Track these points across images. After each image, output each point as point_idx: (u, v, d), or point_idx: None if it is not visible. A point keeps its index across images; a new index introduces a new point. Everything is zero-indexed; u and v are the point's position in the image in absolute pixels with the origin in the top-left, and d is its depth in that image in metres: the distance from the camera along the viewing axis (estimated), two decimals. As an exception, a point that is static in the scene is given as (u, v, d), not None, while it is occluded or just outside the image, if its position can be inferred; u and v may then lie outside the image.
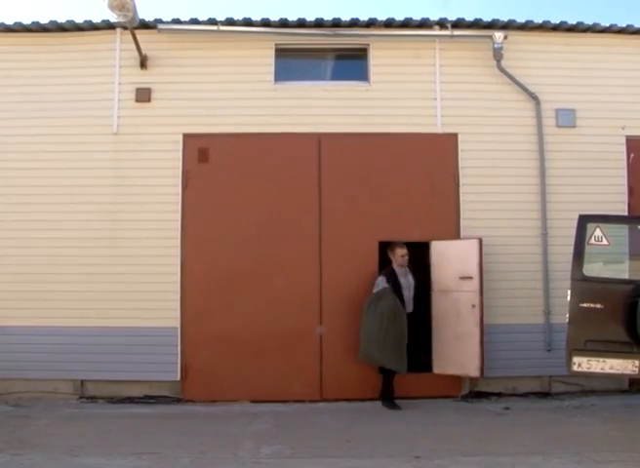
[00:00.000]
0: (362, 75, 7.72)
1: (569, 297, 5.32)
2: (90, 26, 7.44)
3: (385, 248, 7.39)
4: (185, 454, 5.15)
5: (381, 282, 6.83)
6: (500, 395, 7.35)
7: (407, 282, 7.04)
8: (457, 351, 7.07)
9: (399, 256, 6.91)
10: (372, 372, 7.21)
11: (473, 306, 7.05)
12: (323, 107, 7.53)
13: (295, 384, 7.18)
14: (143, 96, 7.49)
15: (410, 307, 6.96)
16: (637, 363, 5.22)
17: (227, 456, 5.14)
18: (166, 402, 7.14)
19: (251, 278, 7.34)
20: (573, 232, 5.57)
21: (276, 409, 6.83)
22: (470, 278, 7.15)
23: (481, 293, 7.02)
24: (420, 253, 7.53)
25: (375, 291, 6.83)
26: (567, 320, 5.36)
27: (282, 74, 7.67)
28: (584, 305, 5.23)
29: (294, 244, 7.43)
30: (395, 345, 6.55)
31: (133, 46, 7.26)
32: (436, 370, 7.35)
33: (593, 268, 5.48)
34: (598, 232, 5.44)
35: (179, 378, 7.22)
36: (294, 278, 7.35)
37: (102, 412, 6.64)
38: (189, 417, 6.51)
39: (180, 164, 7.41)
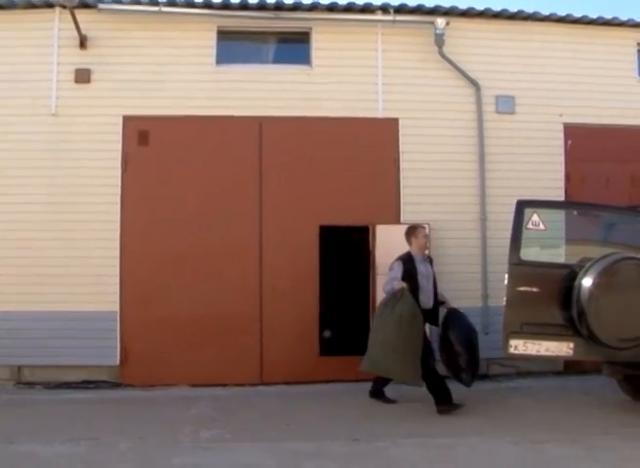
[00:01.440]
0: (304, 59, 7.57)
1: (506, 281, 5.14)
2: (27, 4, 7.16)
3: (324, 232, 7.28)
4: (124, 440, 5.01)
5: (397, 268, 6.05)
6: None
7: (426, 270, 6.23)
8: None
9: (422, 237, 6.22)
10: (312, 357, 7.14)
11: None
12: (265, 91, 7.37)
13: (235, 368, 7.04)
14: (83, 76, 7.26)
15: (430, 303, 6.11)
16: (572, 345, 5.08)
17: (167, 441, 5.00)
18: (105, 387, 6.96)
19: (191, 261, 7.17)
20: (511, 217, 5.40)
21: (216, 393, 6.69)
22: None
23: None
24: (358, 239, 7.44)
25: (388, 278, 6.11)
26: (504, 303, 5.15)
27: (224, 57, 7.48)
28: (521, 289, 5.04)
29: (234, 227, 7.25)
30: (411, 353, 5.72)
31: (72, 25, 7.02)
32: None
33: (530, 253, 5.30)
34: (535, 217, 5.23)
35: (118, 363, 7.02)
36: (234, 261, 7.19)
37: (40, 398, 6.46)
38: (128, 402, 6.36)
39: (119, 146, 7.20)
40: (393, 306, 5.72)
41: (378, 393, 6.19)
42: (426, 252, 6.24)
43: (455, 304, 6.35)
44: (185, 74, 7.31)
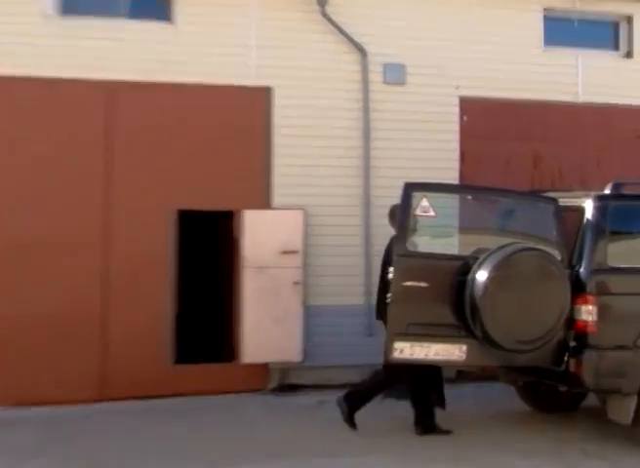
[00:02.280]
0: (166, 14, 6.75)
1: (391, 275, 4.69)
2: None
3: (184, 217, 6.61)
4: None
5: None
6: (314, 387, 6.74)
7: None
8: (275, 335, 6.48)
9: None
10: (165, 366, 6.45)
11: (296, 283, 6.61)
12: (117, 50, 6.52)
13: (71, 381, 6.24)
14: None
15: None
16: (464, 348, 4.70)
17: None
18: None
19: (19, 254, 6.30)
20: (397, 202, 4.93)
21: (46, 414, 5.88)
22: (294, 252, 6.62)
23: (304, 270, 6.63)
24: (225, 226, 6.87)
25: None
26: (389, 300, 4.69)
27: (69, 7, 6.57)
28: (408, 284, 4.61)
29: (74, 213, 6.45)
30: None
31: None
32: (246, 358, 6.60)
33: (419, 242, 4.93)
34: (425, 202, 4.80)
35: None
36: (71, 253, 6.38)
37: None
38: None
39: None
40: None
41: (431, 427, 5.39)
42: None
43: (334, 302, 6.22)
44: (22, 26, 6.37)
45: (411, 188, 4.80)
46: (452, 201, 5.22)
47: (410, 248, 4.76)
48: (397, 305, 4.64)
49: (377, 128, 7.04)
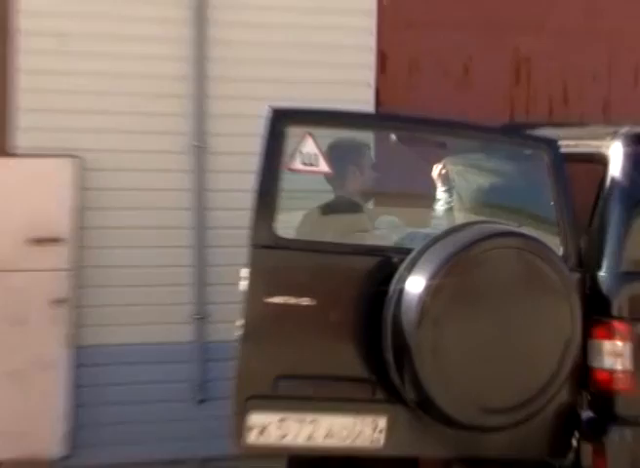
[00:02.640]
0: None
1: (244, 286, 4.29)
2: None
3: None
4: None
5: None
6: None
7: None
8: (10, 406, 5.69)
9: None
10: None
11: (57, 302, 5.78)
12: None
13: None
14: None
15: None
16: (383, 423, 4.28)
17: None
18: None
19: None
20: (253, 148, 4.51)
21: None
22: (56, 241, 5.81)
23: (75, 276, 5.92)
24: None
25: None
26: (239, 333, 4.28)
27: None
28: (275, 301, 4.23)
29: None
30: None
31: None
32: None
33: (296, 223, 4.76)
34: (310, 146, 4.52)
35: None
36: None
37: None
38: None
39: None
40: None
41: None
42: None
43: (131, 338, 5.89)
44: None
45: (282, 119, 4.41)
46: (360, 145, 5.05)
47: (280, 232, 4.34)
48: (255, 342, 4.23)
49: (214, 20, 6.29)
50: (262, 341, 4.36)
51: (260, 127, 4.43)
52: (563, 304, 4.39)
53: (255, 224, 4.39)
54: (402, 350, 4.29)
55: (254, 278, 4.35)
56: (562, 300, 4.41)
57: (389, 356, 4.27)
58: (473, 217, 4.98)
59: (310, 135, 4.52)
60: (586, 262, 4.67)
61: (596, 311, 4.55)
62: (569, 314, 4.40)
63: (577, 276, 4.55)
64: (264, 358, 4.33)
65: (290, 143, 4.46)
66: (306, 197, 4.92)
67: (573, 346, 4.42)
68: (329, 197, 4.98)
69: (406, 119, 5.18)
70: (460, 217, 5.04)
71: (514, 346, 4.38)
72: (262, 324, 4.37)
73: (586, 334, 4.51)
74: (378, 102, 6.64)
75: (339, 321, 4.43)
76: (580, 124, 5.91)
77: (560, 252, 4.55)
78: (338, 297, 4.43)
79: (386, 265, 4.46)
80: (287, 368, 4.33)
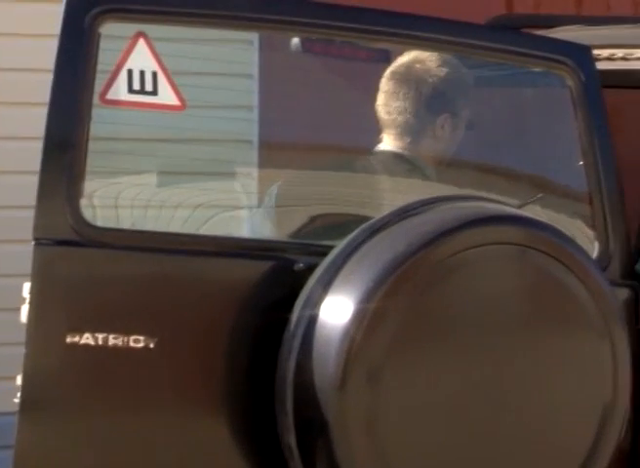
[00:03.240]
0: None
1: (26, 315, 4.36)
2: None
3: None
4: None
5: None
6: None
7: None
8: None
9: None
10: None
11: None
12: None
13: None
14: None
15: None
16: None
17: None
18: None
19: None
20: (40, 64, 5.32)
21: None
22: None
23: None
24: None
25: None
26: (19, 401, 4.34)
27: None
28: (83, 341, 4.28)
29: None
30: None
31: None
32: None
33: (122, 199, 4.99)
34: (143, 57, 4.63)
35: None
36: None
37: None
38: None
39: None
40: None
41: None
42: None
43: None
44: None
45: (90, 8, 4.49)
46: (245, 54, 5.43)
47: (90, 216, 4.48)
48: (43, 419, 4.42)
49: None
50: (58, 416, 4.37)
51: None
52: (599, 343, 4.31)
53: (42, 203, 4.33)
54: (313, 428, 4.29)
55: (43, 300, 4.29)
56: (597, 337, 4.32)
57: (291, 439, 4.26)
58: (443, 189, 4.87)
59: (143, 36, 4.46)
60: None
61: None
62: (609, 360, 4.32)
63: (624, 294, 4.47)
64: (62, 446, 4.37)
65: (107, 53, 4.41)
66: (140, 152, 4.96)
67: (616, 415, 4.38)
68: (179, 151, 5.03)
69: (318, 8, 4.95)
70: (419, 189, 4.92)
71: (514, 415, 4.36)
72: (59, 384, 4.35)
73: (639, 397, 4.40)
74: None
75: (197, 379, 4.45)
76: (634, 19, 6.09)
77: (595, 250, 4.48)
78: (195, 335, 4.42)
79: (283, 276, 4.45)
80: (101, 464, 4.38)
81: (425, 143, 5.30)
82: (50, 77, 4.62)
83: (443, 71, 5.28)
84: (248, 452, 4.58)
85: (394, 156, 5.31)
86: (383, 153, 5.27)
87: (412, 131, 5.31)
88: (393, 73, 5.30)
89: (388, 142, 5.20)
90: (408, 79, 5.32)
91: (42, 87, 4.77)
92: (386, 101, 5.31)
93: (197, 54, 5.08)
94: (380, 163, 5.28)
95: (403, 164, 5.29)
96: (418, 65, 5.27)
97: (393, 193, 5.18)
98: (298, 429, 4.30)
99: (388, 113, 5.28)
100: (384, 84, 5.29)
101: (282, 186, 5.22)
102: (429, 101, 5.40)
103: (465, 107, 5.22)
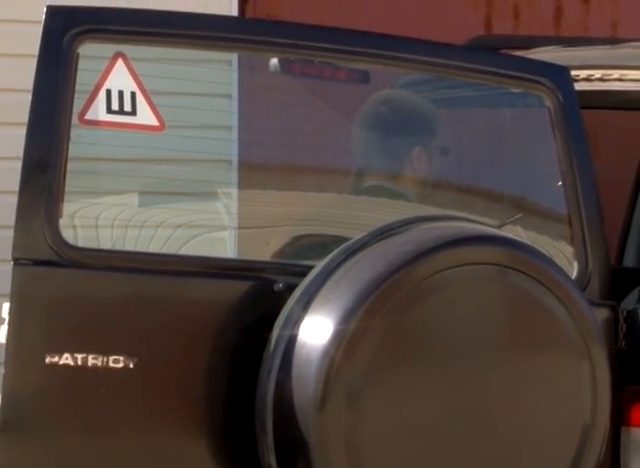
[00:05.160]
0: None
1: (4, 335, 4.38)
2: None
3: None
4: None
5: None
6: None
7: None
8: None
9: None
10: None
11: None
12: None
13: None
14: None
15: None
16: None
17: None
18: None
19: None
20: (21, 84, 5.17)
21: None
22: None
23: None
24: None
25: None
26: None
27: None
28: (63, 362, 4.29)
29: None
30: None
31: None
32: None
33: (102, 219, 4.87)
34: (122, 78, 4.69)
35: None
36: None
37: None
38: None
39: None
40: None
41: None
42: None
43: None
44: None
45: (70, 27, 4.51)
46: (224, 74, 5.23)
47: (69, 236, 4.47)
48: (20, 441, 4.38)
49: None
50: (38, 437, 4.35)
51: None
52: (578, 363, 4.32)
53: (22, 223, 4.31)
54: (293, 448, 4.28)
55: (22, 320, 4.29)
56: (577, 357, 4.33)
57: (271, 459, 4.26)
58: (422, 209, 4.90)
59: (122, 56, 4.47)
60: (621, 289, 4.61)
61: (636, 378, 4.52)
62: (588, 382, 4.31)
63: (603, 314, 4.46)
64: (42, 466, 4.41)
65: (85, 74, 4.42)
66: (120, 172, 4.88)
67: (596, 435, 4.36)
68: (158, 172, 4.93)
69: (297, 29, 5.09)
70: (398, 209, 4.93)
71: (494, 436, 4.37)
72: (39, 404, 4.33)
73: (619, 418, 4.45)
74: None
75: (177, 399, 4.43)
76: (612, 41, 6.09)
77: (574, 270, 4.49)
78: (175, 355, 4.42)
79: (263, 296, 4.45)
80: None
81: (404, 176, 5.37)
82: (28, 97, 4.60)
83: (407, 109, 5.47)
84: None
85: (376, 187, 5.39)
86: (366, 185, 5.35)
87: (389, 169, 5.42)
88: (362, 119, 5.46)
89: (370, 178, 5.33)
90: (375, 123, 5.45)
91: (21, 107, 4.78)
92: (358, 147, 5.50)
93: (176, 74, 4.92)
94: (362, 190, 5.35)
95: (384, 191, 5.35)
96: (382, 108, 5.39)
97: (374, 213, 5.18)
98: (278, 449, 4.29)
99: (364, 156, 5.48)
100: (353, 131, 5.45)
101: (268, 219, 5.32)
102: (400, 140, 5.53)
103: (435, 135, 5.29)
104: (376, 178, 5.34)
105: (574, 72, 4.92)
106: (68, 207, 4.49)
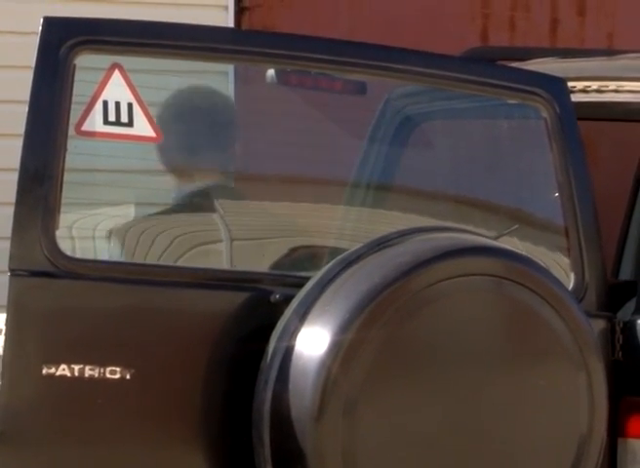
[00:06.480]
0: None
1: (1, 347, 4.36)
2: None
3: None
4: None
5: None
6: None
7: None
8: None
9: None
10: None
11: None
12: None
13: None
14: None
15: None
16: None
17: None
18: None
19: None
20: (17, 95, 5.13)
21: None
22: None
23: None
24: None
25: None
26: None
27: None
28: (60, 373, 4.26)
29: None
30: None
31: None
32: None
33: (98, 231, 4.90)
34: (118, 89, 4.61)
35: None
36: None
37: None
38: None
39: None
40: None
41: None
42: None
43: None
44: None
45: (66, 38, 4.48)
46: (220, 85, 5.24)
47: (66, 247, 4.44)
48: (17, 451, 4.33)
49: None
50: (35, 448, 4.34)
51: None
52: (575, 374, 4.28)
53: (18, 234, 4.26)
54: (290, 459, 4.23)
55: (19, 331, 4.26)
56: (574, 368, 4.29)
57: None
58: (418, 220, 4.81)
59: (119, 67, 4.42)
60: (618, 301, 4.60)
61: (633, 389, 4.48)
62: (585, 393, 4.28)
63: (600, 325, 4.44)
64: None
65: (82, 85, 4.39)
66: (116, 183, 4.83)
67: (592, 449, 4.32)
68: (155, 183, 4.98)
69: (293, 40, 5.06)
70: (395, 219, 4.88)
71: (491, 447, 4.34)
72: (36, 415, 4.29)
73: (616, 429, 4.42)
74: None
75: (174, 410, 4.40)
76: (608, 52, 6.06)
77: (571, 281, 4.47)
78: (172, 366, 4.40)
79: (260, 307, 4.41)
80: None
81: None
82: (25, 108, 4.58)
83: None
84: None
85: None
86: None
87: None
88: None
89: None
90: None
91: (18, 118, 4.74)
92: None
93: (173, 85, 5.01)
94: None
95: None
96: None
97: (370, 224, 5.17)
98: (275, 460, 4.27)
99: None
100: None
101: (253, 221, 5.34)
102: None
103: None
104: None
105: (570, 84, 4.92)
106: (65, 218, 4.45)
